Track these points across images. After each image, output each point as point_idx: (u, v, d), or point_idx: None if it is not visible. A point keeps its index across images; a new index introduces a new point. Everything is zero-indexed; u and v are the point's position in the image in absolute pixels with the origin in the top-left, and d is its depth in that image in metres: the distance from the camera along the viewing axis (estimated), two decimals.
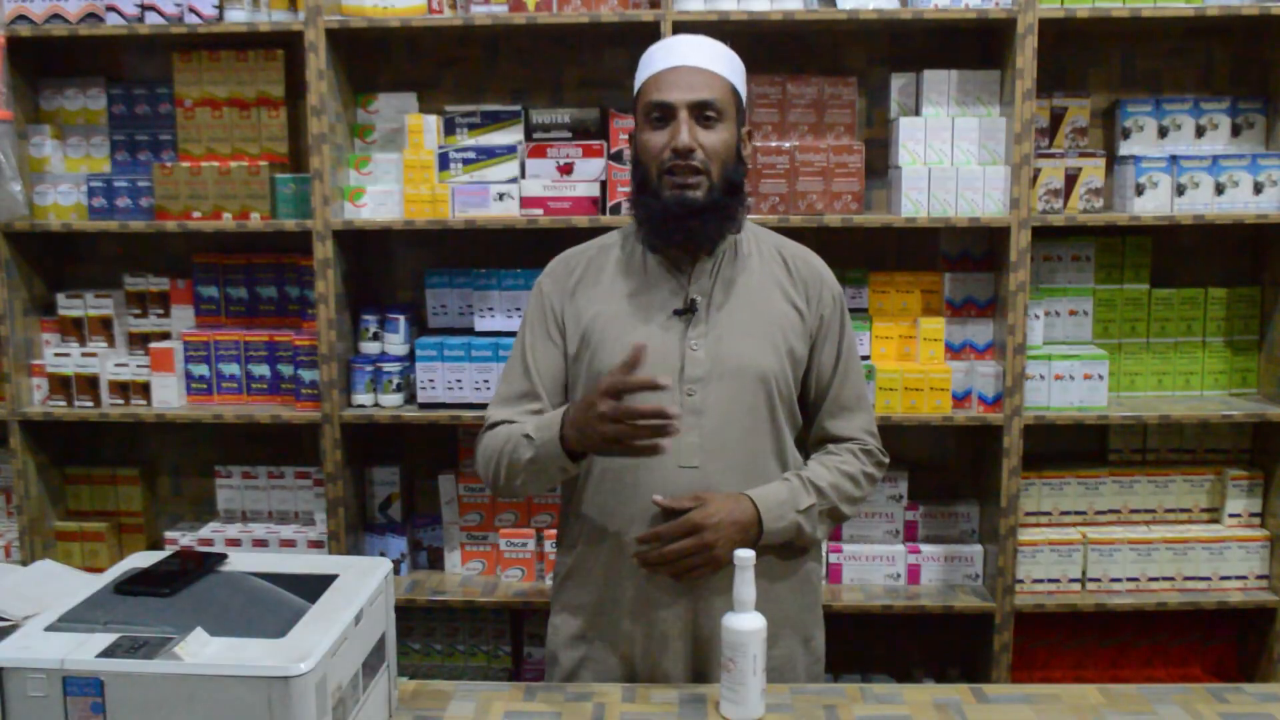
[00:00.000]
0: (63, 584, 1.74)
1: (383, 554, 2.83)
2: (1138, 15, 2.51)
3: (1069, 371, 2.66)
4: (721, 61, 1.80)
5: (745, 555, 1.56)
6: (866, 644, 2.95)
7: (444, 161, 2.69)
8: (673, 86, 1.76)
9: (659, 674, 1.82)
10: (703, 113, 1.76)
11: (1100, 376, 2.66)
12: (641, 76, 1.83)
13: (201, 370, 2.81)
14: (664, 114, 1.76)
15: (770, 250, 1.90)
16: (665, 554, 1.72)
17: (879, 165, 2.79)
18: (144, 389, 2.79)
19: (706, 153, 1.75)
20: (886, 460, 1.94)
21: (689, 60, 1.78)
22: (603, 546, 1.82)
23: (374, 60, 2.85)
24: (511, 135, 2.73)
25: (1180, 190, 2.62)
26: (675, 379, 1.77)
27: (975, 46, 2.75)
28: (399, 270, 2.94)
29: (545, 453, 1.73)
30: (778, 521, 1.76)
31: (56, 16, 2.64)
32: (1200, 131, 2.71)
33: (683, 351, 1.79)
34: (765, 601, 1.63)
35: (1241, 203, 2.62)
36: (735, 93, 1.82)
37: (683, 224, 1.76)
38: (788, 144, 2.62)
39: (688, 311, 1.79)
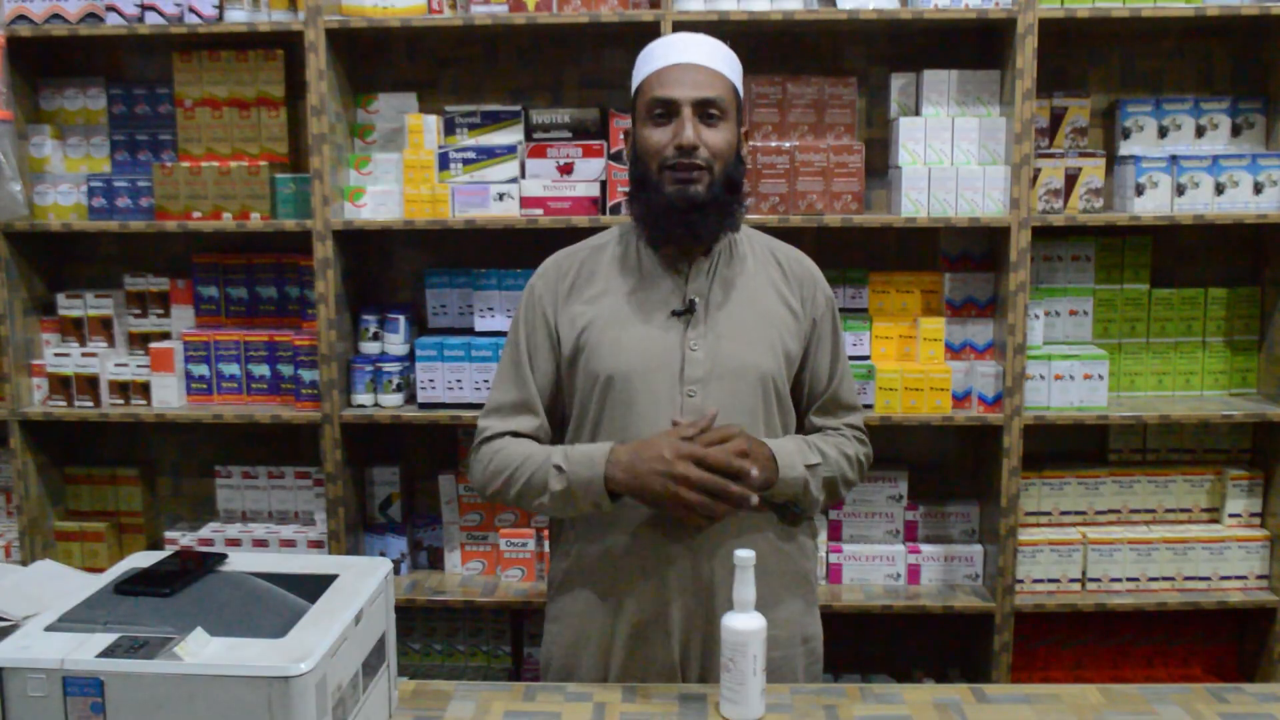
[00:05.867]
0: (63, 584, 1.73)
1: (383, 554, 2.83)
2: (1138, 15, 2.51)
3: (1069, 371, 2.66)
4: (722, 60, 1.80)
5: (745, 555, 1.55)
6: (866, 644, 2.95)
7: (444, 161, 2.69)
8: (676, 83, 1.75)
9: (660, 676, 1.81)
10: (706, 110, 1.75)
11: (1100, 376, 2.66)
12: (641, 73, 1.82)
13: (201, 370, 2.81)
14: (667, 110, 1.76)
15: (764, 251, 1.90)
16: (709, 456, 1.64)
17: (879, 165, 2.79)
18: (144, 389, 2.79)
19: (710, 150, 1.75)
20: (871, 455, 1.96)
21: (691, 57, 1.78)
22: (598, 553, 1.82)
23: (374, 60, 2.85)
24: (511, 135, 2.73)
25: (1180, 190, 2.62)
26: (675, 379, 1.77)
27: (975, 46, 2.75)
28: (399, 270, 2.94)
29: (582, 489, 1.71)
30: (791, 470, 1.75)
31: (56, 16, 2.64)
32: (1200, 131, 2.71)
33: (682, 352, 1.78)
34: (763, 603, 1.63)
35: (1241, 203, 2.62)
36: (735, 91, 1.82)
37: (684, 218, 1.75)
38: (788, 144, 2.62)
39: (687, 312, 1.79)
